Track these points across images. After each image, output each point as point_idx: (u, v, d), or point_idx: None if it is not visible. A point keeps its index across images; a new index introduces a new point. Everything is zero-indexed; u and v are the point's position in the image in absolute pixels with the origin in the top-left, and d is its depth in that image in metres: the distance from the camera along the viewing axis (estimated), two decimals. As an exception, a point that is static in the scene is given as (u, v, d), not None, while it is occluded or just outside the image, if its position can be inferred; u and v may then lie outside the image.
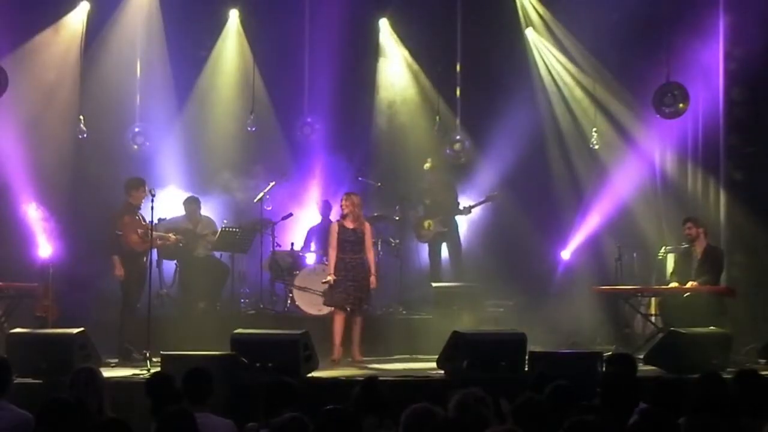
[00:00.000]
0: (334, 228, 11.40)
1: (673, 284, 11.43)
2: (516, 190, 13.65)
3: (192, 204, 13.09)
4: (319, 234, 13.30)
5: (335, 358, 11.00)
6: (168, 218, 12.48)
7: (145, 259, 11.09)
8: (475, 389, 5.28)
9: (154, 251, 11.63)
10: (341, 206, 11.48)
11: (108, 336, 10.86)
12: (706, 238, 11.50)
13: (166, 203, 12.84)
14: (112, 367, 9.97)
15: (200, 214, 13.16)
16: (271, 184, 13.35)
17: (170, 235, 11.83)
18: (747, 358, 10.88)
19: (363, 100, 14.40)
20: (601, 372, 8.72)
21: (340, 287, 11.19)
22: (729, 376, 6.58)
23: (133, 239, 11.08)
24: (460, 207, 13.63)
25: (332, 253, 11.32)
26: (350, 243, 11.26)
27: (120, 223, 11.09)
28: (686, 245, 11.58)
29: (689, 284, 11.23)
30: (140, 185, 11.13)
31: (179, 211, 13.24)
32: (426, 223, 13.59)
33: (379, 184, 13.91)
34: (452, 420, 4.96)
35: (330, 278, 11.21)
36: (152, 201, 10.74)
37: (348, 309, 11.20)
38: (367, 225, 11.51)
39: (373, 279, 11.34)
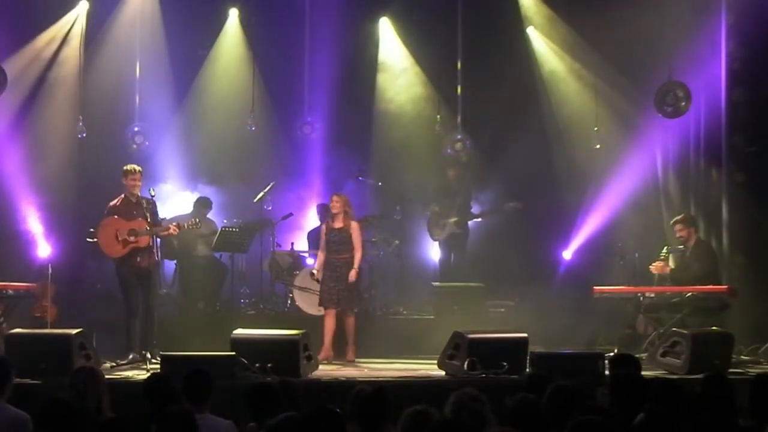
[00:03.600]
0: (323, 230, 11.57)
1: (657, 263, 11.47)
2: (517, 190, 13.61)
3: (202, 206, 13.08)
4: (317, 237, 13.29)
5: (322, 358, 10.73)
6: (168, 218, 12.43)
7: (139, 258, 10.44)
8: (470, 389, 5.27)
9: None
10: (330, 207, 11.47)
11: (107, 336, 10.82)
12: (696, 234, 11.57)
13: (165, 203, 12.82)
14: (112, 367, 9.93)
15: (206, 216, 13.13)
16: (271, 184, 13.32)
17: (170, 225, 11.05)
18: (749, 358, 10.85)
19: (363, 99, 14.36)
20: (603, 373, 8.69)
21: (325, 287, 11.28)
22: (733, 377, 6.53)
23: (107, 243, 10.41)
24: (477, 212, 13.64)
25: (320, 255, 11.48)
26: (335, 243, 11.35)
27: (99, 225, 10.52)
28: (681, 246, 11.57)
29: (656, 265, 11.33)
30: (128, 173, 10.54)
31: (177, 210, 13.23)
32: (453, 221, 13.49)
33: (380, 183, 13.87)
34: (449, 420, 4.94)
35: (317, 276, 11.41)
36: (152, 199, 10.66)
37: (334, 309, 11.21)
38: (355, 224, 11.47)
39: (353, 273, 11.28)
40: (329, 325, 11.23)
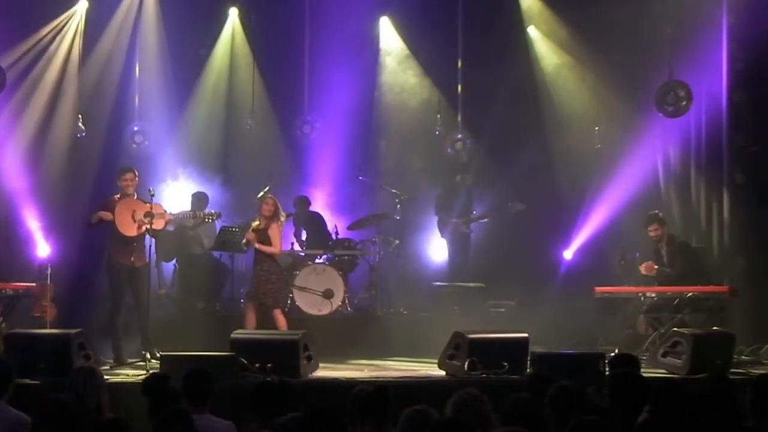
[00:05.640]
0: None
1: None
2: (518, 190, 13.60)
3: (198, 201, 13.05)
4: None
5: None
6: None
7: (133, 258, 10.39)
8: (471, 389, 5.25)
9: (152, 252, 11.36)
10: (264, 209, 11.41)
11: (107, 336, 10.80)
12: (669, 233, 11.60)
13: (164, 202, 12.77)
14: (111, 367, 9.91)
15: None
16: (267, 187, 13.30)
17: (189, 213, 11.67)
18: (750, 358, 10.83)
19: (363, 99, 14.33)
20: (604, 373, 8.67)
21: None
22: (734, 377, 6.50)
23: (123, 221, 10.43)
24: (480, 212, 13.75)
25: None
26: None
27: (112, 205, 10.55)
28: (657, 246, 11.58)
29: (645, 265, 11.42)
30: (122, 172, 10.68)
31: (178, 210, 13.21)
32: (462, 221, 13.59)
33: (380, 183, 13.88)
34: (450, 420, 4.92)
35: None
36: (151, 200, 10.63)
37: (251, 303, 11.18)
38: (274, 225, 11.28)
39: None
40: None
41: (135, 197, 10.67)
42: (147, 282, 10.85)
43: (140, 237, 10.56)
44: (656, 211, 11.88)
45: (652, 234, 11.58)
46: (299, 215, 13.67)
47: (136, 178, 10.74)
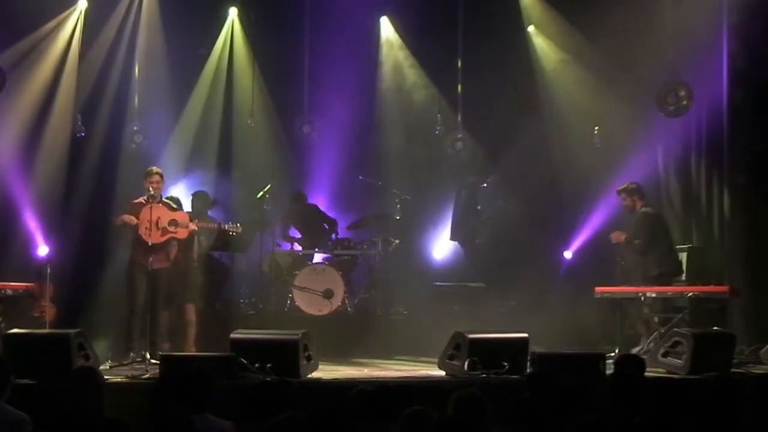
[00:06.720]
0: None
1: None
2: (518, 189, 13.60)
3: (199, 201, 12.87)
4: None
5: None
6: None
7: (151, 259, 10.26)
8: (472, 389, 5.25)
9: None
10: None
11: (106, 336, 10.79)
12: (641, 201, 11.52)
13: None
14: (111, 367, 9.89)
15: (207, 213, 12.46)
16: (269, 186, 13.29)
17: (211, 224, 11.46)
18: (750, 358, 10.82)
19: (363, 98, 14.33)
20: (604, 373, 8.68)
21: None
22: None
23: (148, 228, 10.39)
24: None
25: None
26: None
27: (137, 208, 10.54)
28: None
29: (615, 234, 11.53)
30: (150, 174, 10.59)
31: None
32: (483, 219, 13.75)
33: (380, 183, 13.88)
34: (450, 420, 4.92)
35: None
36: (151, 200, 10.61)
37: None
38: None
39: None
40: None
41: (160, 201, 10.61)
42: (163, 285, 10.80)
43: (163, 243, 10.51)
44: (632, 182, 11.78)
45: (623, 203, 11.63)
46: (296, 211, 13.65)
47: (163, 180, 10.71)
